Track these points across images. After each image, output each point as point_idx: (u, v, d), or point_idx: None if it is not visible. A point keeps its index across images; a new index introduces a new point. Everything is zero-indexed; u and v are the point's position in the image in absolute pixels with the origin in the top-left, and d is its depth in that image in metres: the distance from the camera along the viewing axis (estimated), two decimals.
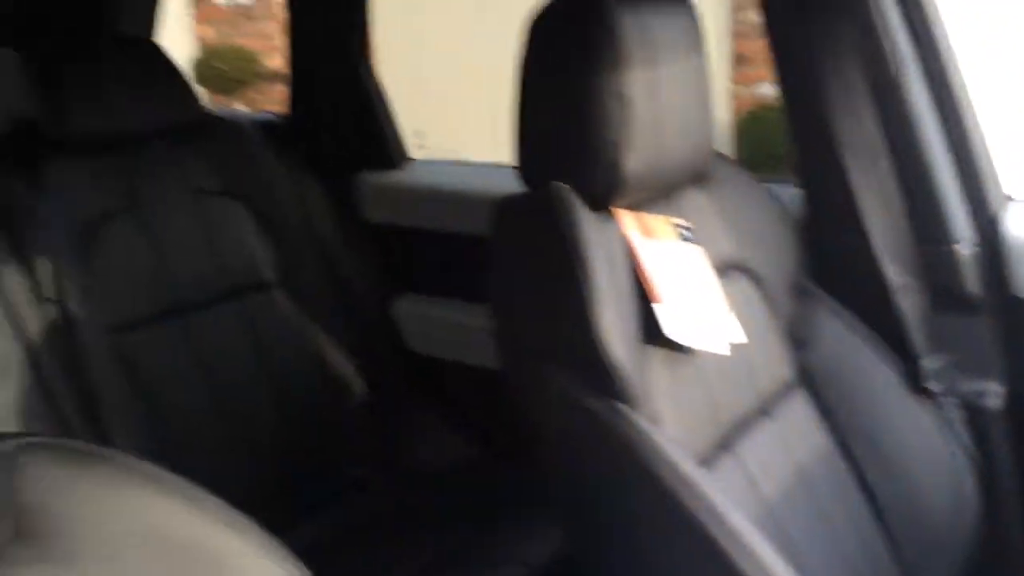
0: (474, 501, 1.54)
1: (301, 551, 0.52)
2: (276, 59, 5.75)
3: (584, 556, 1.04)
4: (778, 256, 1.22)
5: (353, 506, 1.59)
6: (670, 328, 1.00)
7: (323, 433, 1.66)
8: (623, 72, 0.98)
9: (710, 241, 1.12)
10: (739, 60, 5.02)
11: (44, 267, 1.36)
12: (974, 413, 1.18)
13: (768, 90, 4.96)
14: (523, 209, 1.04)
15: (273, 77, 5.77)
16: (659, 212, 1.08)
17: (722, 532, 0.87)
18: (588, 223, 0.98)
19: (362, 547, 1.47)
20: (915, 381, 1.20)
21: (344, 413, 1.69)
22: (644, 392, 0.95)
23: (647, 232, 1.05)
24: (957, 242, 1.23)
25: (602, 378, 0.93)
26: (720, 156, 1.21)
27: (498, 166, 1.86)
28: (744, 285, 1.15)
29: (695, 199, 1.15)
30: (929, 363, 1.20)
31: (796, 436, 1.13)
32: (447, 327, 1.78)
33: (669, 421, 0.97)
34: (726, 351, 1.05)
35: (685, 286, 1.04)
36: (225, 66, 5.63)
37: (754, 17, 4.89)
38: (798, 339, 1.19)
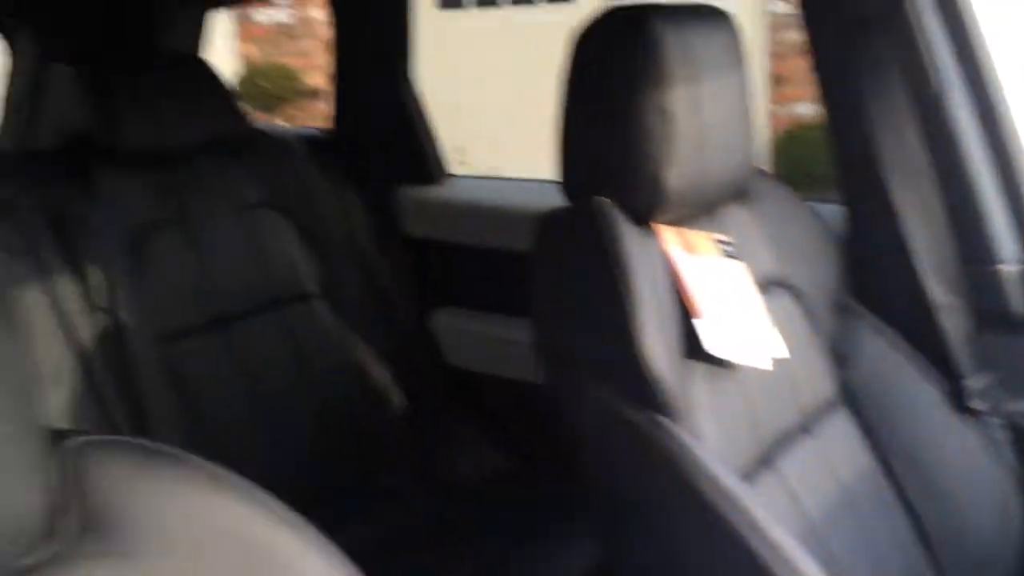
0: (511, 514, 1.55)
1: None
2: (315, 77, 5.84)
3: (623, 569, 1.04)
4: (820, 273, 1.22)
5: (390, 518, 1.60)
6: (710, 343, 1.00)
7: (361, 444, 1.67)
8: (666, 88, 0.99)
9: (752, 257, 1.12)
10: (776, 80, 5.02)
11: (96, 276, 1.39)
12: (1019, 433, 1.17)
13: (805, 110, 4.94)
14: (566, 223, 1.05)
15: (312, 94, 5.86)
16: (701, 228, 1.09)
17: (764, 546, 0.86)
18: (631, 238, 0.98)
19: (398, 559, 1.48)
20: (959, 400, 1.18)
21: (382, 425, 1.71)
22: (685, 406, 0.96)
23: (689, 248, 1.06)
24: (1002, 261, 1.22)
25: (644, 391, 0.94)
26: (761, 172, 1.22)
27: (536, 182, 1.88)
28: (786, 301, 1.15)
29: (736, 215, 1.15)
30: (973, 382, 1.19)
31: (838, 454, 1.12)
32: (485, 340, 1.80)
33: (710, 435, 0.97)
34: (768, 366, 1.05)
35: (727, 302, 1.04)
36: (267, 83, 5.73)
37: (791, 37, 4.89)
38: (840, 356, 1.19)
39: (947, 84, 1.23)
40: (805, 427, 1.10)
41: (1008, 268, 1.22)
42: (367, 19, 1.89)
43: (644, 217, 1.02)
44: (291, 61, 5.95)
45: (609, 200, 1.00)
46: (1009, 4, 1.41)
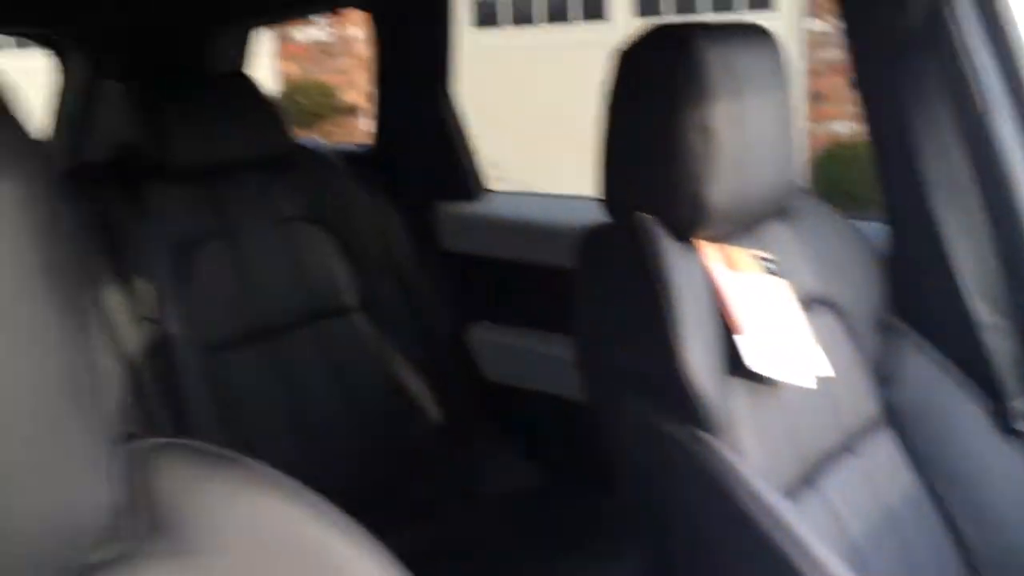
0: (545, 529, 1.55)
1: None
2: (352, 94, 5.91)
3: None
4: (863, 291, 1.21)
5: (424, 530, 1.61)
6: (752, 359, 1.00)
7: (397, 456, 1.68)
8: (708, 105, 0.99)
9: (793, 274, 1.12)
10: (814, 98, 4.99)
11: (144, 287, 1.42)
12: None
13: (843, 127, 4.91)
14: (608, 239, 1.06)
15: (349, 111, 5.93)
16: (742, 245, 1.09)
17: (807, 564, 0.86)
18: (673, 253, 0.99)
19: (432, 572, 1.49)
20: (1004, 421, 1.17)
21: (418, 437, 1.72)
22: (727, 422, 0.95)
23: (730, 264, 1.06)
24: None
25: (685, 406, 0.94)
26: (802, 190, 1.22)
27: (573, 198, 1.89)
28: (828, 319, 1.14)
29: (778, 232, 1.15)
30: (1019, 403, 1.18)
31: (882, 474, 1.11)
32: (521, 355, 1.80)
33: (751, 452, 0.97)
34: (812, 384, 1.05)
35: (769, 318, 1.04)
36: (305, 100, 5.81)
37: (828, 55, 4.87)
38: (884, 376, 1.18)
39: (991, 102, 1.22)
40: (848, 446, 1.10)
41: None
42: (408, 36, 1.92)
43: (685, 233, 1.02)
44: (329, 78, 6.04)
45: (651, 216, 1.01)
46: None
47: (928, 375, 1.18)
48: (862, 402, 1.14)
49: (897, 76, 1.23)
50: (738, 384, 1.00)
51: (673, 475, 0.97)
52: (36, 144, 0.40)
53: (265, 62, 5.95)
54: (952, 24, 1.19)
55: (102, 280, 1.40)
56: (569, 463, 1.70)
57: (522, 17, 5.83)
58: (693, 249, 1.03)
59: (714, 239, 1.06)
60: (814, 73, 4.98)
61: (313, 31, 6.07)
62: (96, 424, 0.42)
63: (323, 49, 6.11)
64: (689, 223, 1.02)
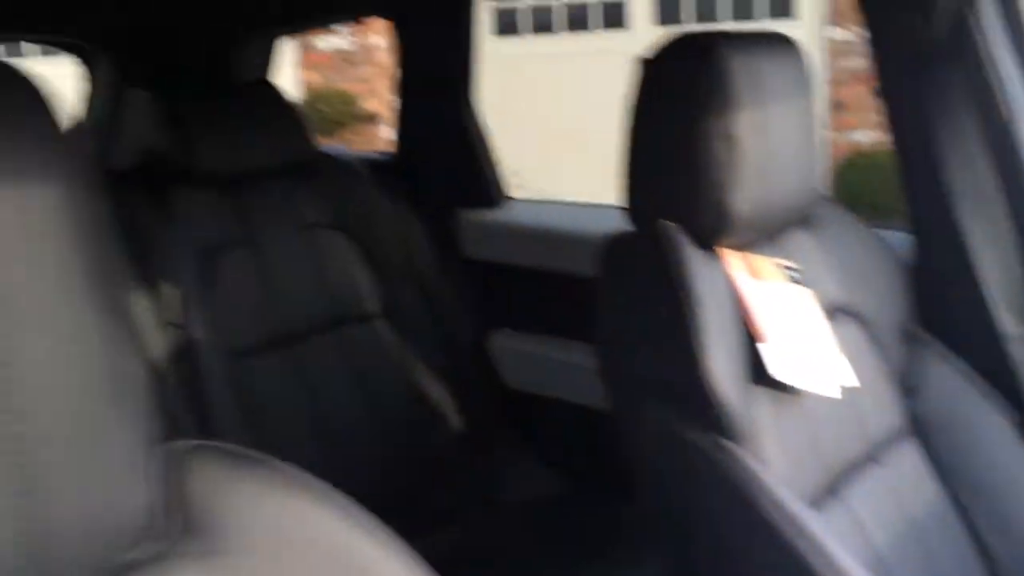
0: (566, 536, 1.55)
1: None
2: (373, 102, 5.95)
3: None
4: (887, 301, 1.20)
5: (445, 538, 1.61)
6: (775, 368, 1.00)
7: (418, 463, 1.69)
8: (732, 113, 0.99)
9: (817, 283, 1.12)
10: (835, 107, 4.97)
11: (169, 292, 1.44)
12: None
13: (864, 137, 4.89)
14: (631, 246, 1.06)
15: (369, 118, 5.96)
16: (764, 253, 1.09)
17: (831, 573, 0.85)
18: (696, 261, 0.99)
19: None
20: None
21: (439, 445, 1.72)
22: (750, 430, 0.95)
23: (754, 273, 1.06)
24: None
25: (708, 414, 0.94)
26: (825, 198, 1.21)
27: (593, 206, 1.89)
28: (852, 329, 1.14)
29: (801, 241, 1.15)
30: None
31: (906, 485, 1.10)
32: (542, 363, 1.81)
33: (775, 461, 0.97)
34: (836, 395, 1.04)
35: (792, 327, 1.04)
36: (327, 108, 5.85)
37: (850, 64, 4.85)
38: (908, 386, 1.17)
39: (1017, 111, 1.21)
40: (872, 457, 1.09)
41: None
42: (431, 44, 1.93)
43: (709, 241, 1.02)
44: (350, 87, 6.07)
45: (674, 224, 1.01)
46: None
47: (953, 386, 1.18)
48: (886, 412, 1.13)
49: (922, 85, 1.23)
50: (761, 393, 0.99)
51: (696, 483, 0.97)
52: (77, 148, 0.41)
53: (287, 71, 6.00)
54: (977, 33, 1.19)
55: (128, 285, 1.41)
56: (590, 471, 1.70)
57: (542, 25, 5.85)
58: (716, 257, 1.03)
59: (737, 247, 1.06)
60: (835, 82, 4.96)
61: (335, 40, 6.11)
62: (136, 425, 0.42)
63: (344, 57, 6.15)
64: (712, 231, 1.02)
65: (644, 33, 5.37)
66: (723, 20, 5.30)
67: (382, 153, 2.13)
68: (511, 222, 1.89)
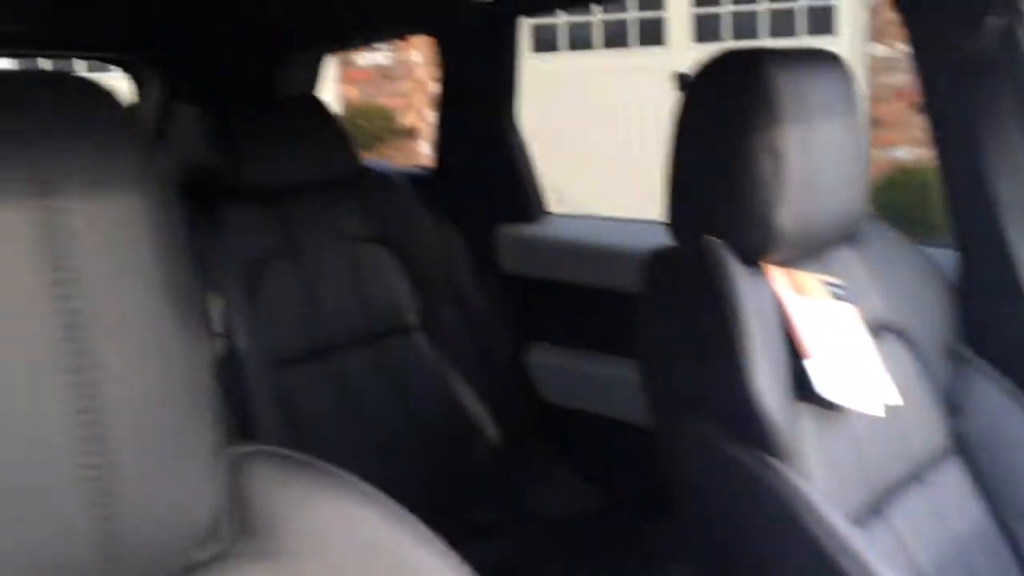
0: (604, 551, 1.54)
1: None
2: (411, 116, 6.00)
3: None
4: (931, 319, 1.19)
5: (483, 552, 1.61)
6: (821, 385, 0.99)
7: (456, 477, 1.70)
8: (777, 129, 0.99)
9: (861, 301, 1.11)
10: (875, 124, 4.92)
11: (215, 303, 1.47)
12: None
13: (903, 154, 4.83)
14: (674, 261, 1.06)
15: (407, 133, 6.01)
16: (809, 269, 1.08)
17: None
18: (741, 277, 0.99)
19: None
20: None
21: (476, 458, 1.73)
22: (794, 447, 0.95)
23: (798, 289, 1.05)
24: None
25: (753, 430, 0.93)
26: (870, 215, 1.21)
27: (632, 221, 1.89)
28: (896, 347, 1.13)
29: (845, 258, 1.14)
30: None
31: (950, 505, 1.09)
32: (579, 377, 1.81)
33: (819, 478, 0.96)
34: (881, 413, 1.03)
35: (837, 344, 1.03)
36: (365, 123, 5.91)
37: (890, 80, 4.81)
38: (952, 405, 1.16)
39: None
40: (916, 476, 1.08)
41: None
42: (473, 61, 1.95)
43: (753, 257, 1.02)
44: (389, 102, 6.13)
45: (719, 239, 1.01)
46: None
47: (998, 405, 1.16)
48: (931, 432, 1.12)
49: (968, 99, 1.22)
50: (805, 409, 0.99)
51: (737, 499, 0.96)
52: (155, 161, 0.43)
53: (328, 86, 6.08)
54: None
55: None
56: (628, 485, 1.69)
57: (580, 42, 5.87)
58: (761, 273, 1.03)
59: (781, 263, 1.05)
60: (875, 99, 4.92)
61: (374, 56, 6.18)
62: (204, 431, 0.44)
63: (384, 73, 6.21)
64: (757, 247, 1.02)
65: (682, 50, 5.36)
66: (762, 37, 5.28)
67: (422, 168, 2.15)
68: (550, 237, 1.90)
